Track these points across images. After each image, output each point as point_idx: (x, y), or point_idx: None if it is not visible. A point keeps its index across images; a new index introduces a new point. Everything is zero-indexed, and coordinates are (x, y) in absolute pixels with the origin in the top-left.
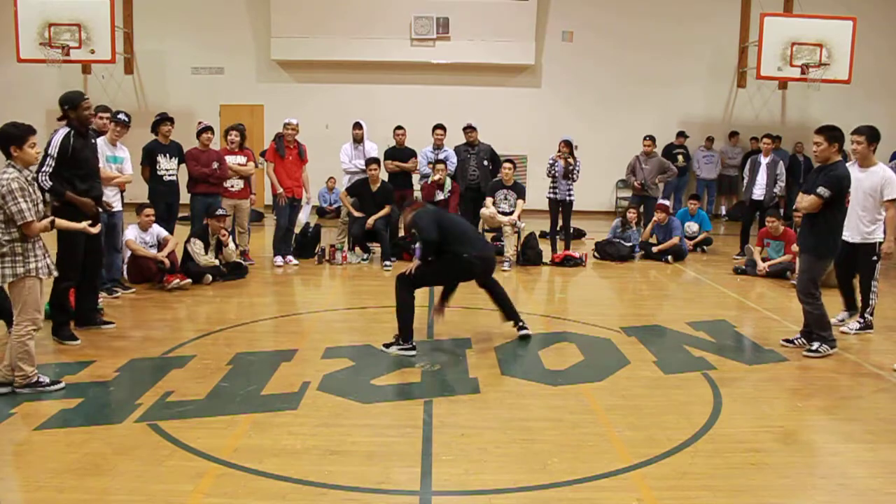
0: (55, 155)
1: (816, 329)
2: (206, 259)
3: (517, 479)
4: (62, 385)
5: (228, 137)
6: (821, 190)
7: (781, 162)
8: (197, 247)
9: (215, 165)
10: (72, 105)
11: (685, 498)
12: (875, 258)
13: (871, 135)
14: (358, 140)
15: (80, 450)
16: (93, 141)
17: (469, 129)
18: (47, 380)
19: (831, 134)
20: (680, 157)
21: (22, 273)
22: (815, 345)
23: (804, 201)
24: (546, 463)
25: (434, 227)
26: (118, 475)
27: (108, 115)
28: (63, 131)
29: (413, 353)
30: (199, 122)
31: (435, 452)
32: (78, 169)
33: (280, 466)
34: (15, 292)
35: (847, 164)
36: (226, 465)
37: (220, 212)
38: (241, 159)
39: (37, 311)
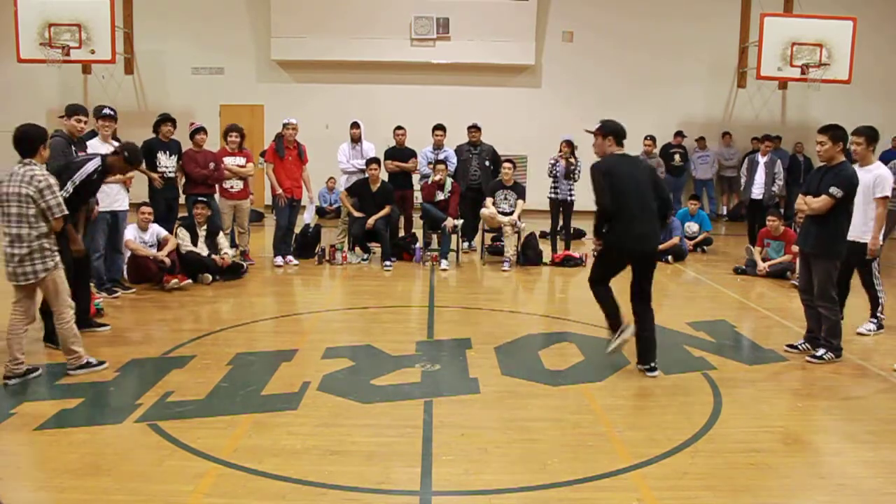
0: (77, 183)
1: (829, 336)
2: (190, 248)
3: (517, 479)
4: (105, 364)
5: (229, 138)
6: (834, 190)
7: (779, 161)
8: (182, 235)
9: (212, 167)
10: (135, 158)
11: (685, 498)
12: (867, 257)
13: (870, 135)
14: (356, 140)
15: (80, 450)
16: (83, 153)
17: (473, 128)
18: (95, 360)
19: (835, 133)
20: (677, 157)
21: (52, 266)
22: (821, 351)
23: (816, 202)
24: (546, 463)
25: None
26: (118, 475)
27: (84, 117)
28: (95, 164)
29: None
30: (192, 123)
31: (435, 452)
32: (80, 201)
33: (280, 466)
34: (48, 285)
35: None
36: (226, 465)
37: (201, 198)
38: (241, 160)
39: (69, 295)
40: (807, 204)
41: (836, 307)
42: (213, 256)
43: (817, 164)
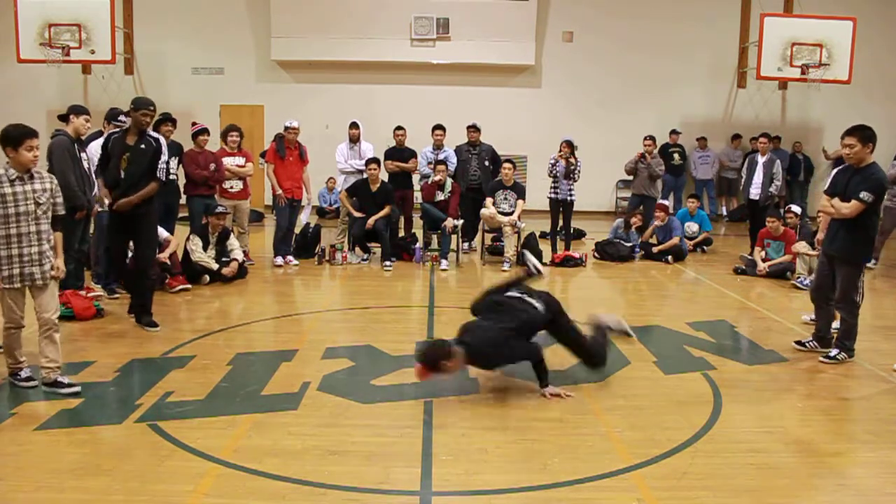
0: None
1: (843, 338)
2: (200, 256)
3: (517, 479)
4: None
5: (229, 138)
6: (864, 195)
7: (778, 161)
8: (194, 244)
9: (212, 167)
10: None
11: (685, 498)
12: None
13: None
14: (354, 140)
15: (80, 450)
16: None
17: (472, 128)
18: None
19: (864, 134)
20: (676, 156)
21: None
22: (835, 352)
23: (846, 208)
24: (546, 463)
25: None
26: (118, 475)
27: (89, 117)
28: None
29: None
30: (193, 124)
31: (435, 452)
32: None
33: (280, 466)
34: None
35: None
36: (226, 465)
37: (219, 209)
38: (240, 160)
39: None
40: (835, 208)
41: (856, 311)
42: (223, 270)
43: (819, 163)
